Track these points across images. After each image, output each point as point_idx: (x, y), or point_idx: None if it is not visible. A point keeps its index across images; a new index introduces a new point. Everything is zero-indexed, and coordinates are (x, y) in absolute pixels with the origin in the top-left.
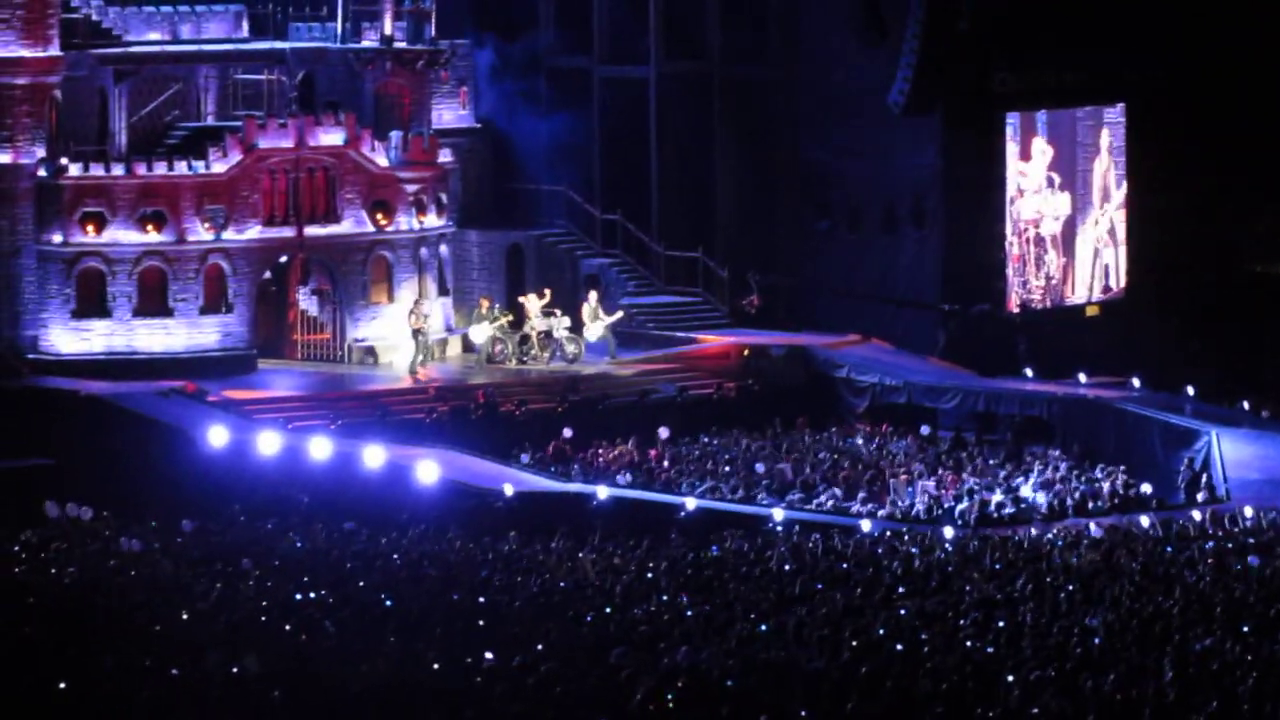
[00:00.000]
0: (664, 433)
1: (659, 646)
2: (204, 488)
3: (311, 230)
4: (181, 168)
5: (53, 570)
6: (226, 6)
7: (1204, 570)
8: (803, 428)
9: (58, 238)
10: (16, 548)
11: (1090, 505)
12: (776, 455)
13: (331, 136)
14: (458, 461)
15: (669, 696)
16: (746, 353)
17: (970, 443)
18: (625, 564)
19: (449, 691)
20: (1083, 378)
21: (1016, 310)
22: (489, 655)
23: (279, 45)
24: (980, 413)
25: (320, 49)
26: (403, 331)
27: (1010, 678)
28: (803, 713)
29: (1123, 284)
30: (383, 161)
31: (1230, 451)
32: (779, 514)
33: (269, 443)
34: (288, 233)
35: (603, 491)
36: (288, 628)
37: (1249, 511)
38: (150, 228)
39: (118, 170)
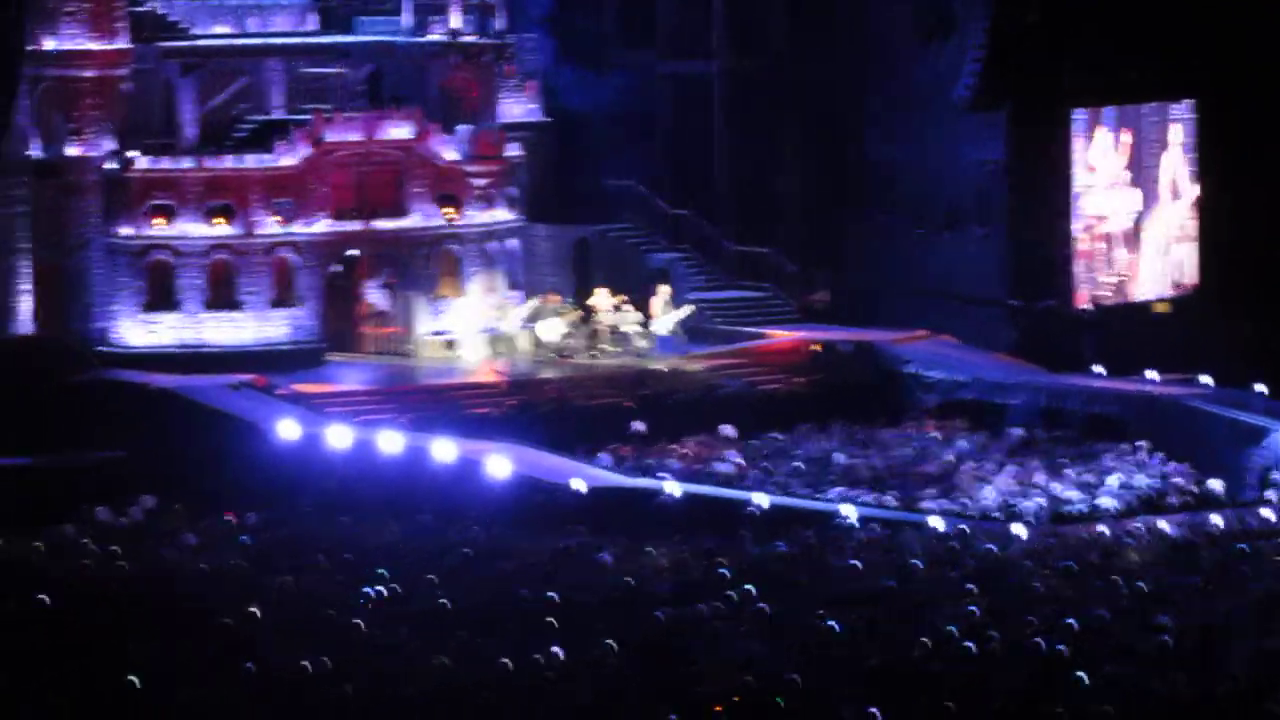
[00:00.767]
0: (731, 430)
1: (728, 642)
2: (274, 481)
3: (379, 224)
4: (249, 161)
5: (121, 563)
6: (293, 0)
7: (1275, 568)
8: (871, 423)
9: (127, 231)
10: (85, 540)
11: (1161, 503)
12: (845, 451)
13: (399, 130)
14: (528, 456)
15: (737, 692)
16: (815, 348)
17: (1039, 439)
18: (694, 559)
19: (519, 688)
20: (1152, 375)
21: (1085, 307)
22: (558, 651)
23: (346, 39)
24: (1049, 409)
25: (387, 43)
26: (476, 324)
27: (1081, 675)
28: (872, 709)
29: (1193, 280)
30: (450, 155)
31: None
32: (849, 510)
33: (339, 436)
34: (356, 226)
35: (672, 486)
36: (359, 623)
37: None
38: (219, 220)
39: (186, 163)
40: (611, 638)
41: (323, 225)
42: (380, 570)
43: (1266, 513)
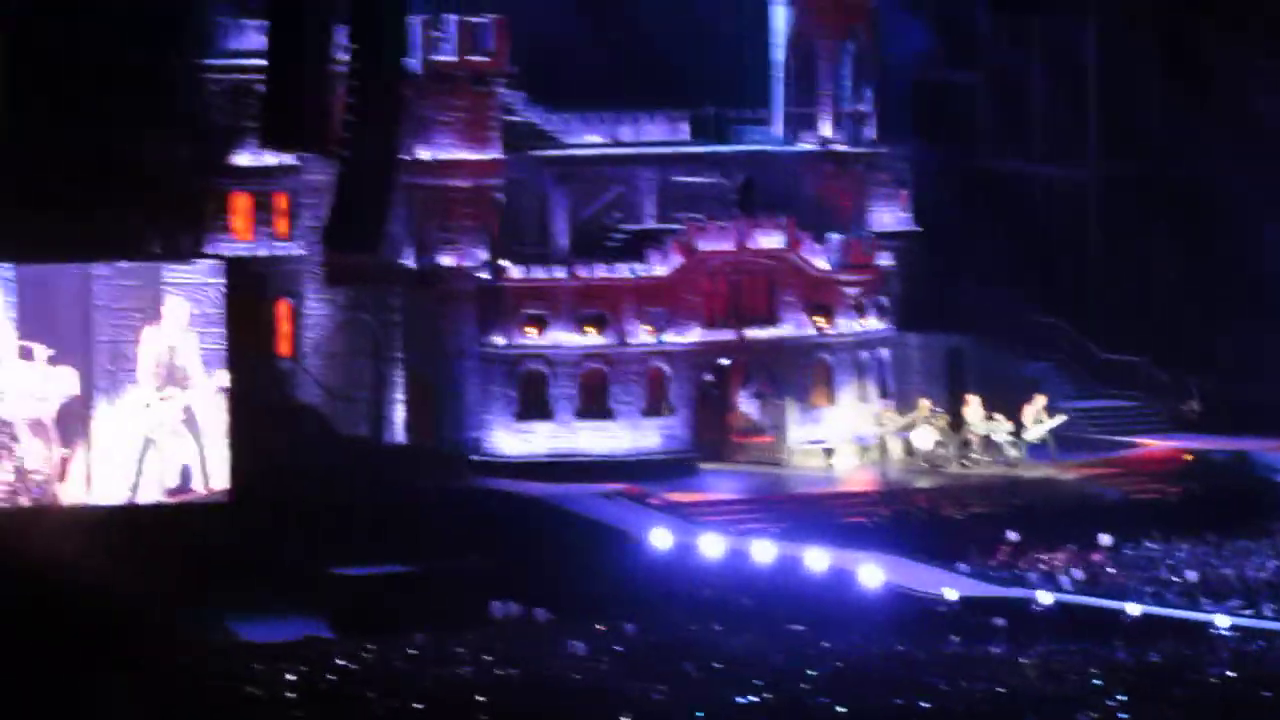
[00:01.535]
0: (1106, 539)
1: None
2: (647, 590)
3: (752, 333)
4: (622, 270)
5: (497, 671)
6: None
7: None
8: (1245, 533)
9: (500, 340)
10: (460, 648)
11: None
12: (1219, 561)
13: (771, 239)
14: (899, 565)
15: None
16: (1189, 458)
17: None
18: (1067, 668)
19: None
20: None
21: None
22: None
23: (720, 149)
24: None
25: (760, 152)
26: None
27: None
28: None
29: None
30: (822, 264)
31: None
32: (1223, 621)
33: (712, 545)
34: (728, 336)
35: (1045, 596)
36: None
37: None
38: (592, 330)
39: (559, 272)
40: None
41: (695, 334)
42: (755, 680)
43: None
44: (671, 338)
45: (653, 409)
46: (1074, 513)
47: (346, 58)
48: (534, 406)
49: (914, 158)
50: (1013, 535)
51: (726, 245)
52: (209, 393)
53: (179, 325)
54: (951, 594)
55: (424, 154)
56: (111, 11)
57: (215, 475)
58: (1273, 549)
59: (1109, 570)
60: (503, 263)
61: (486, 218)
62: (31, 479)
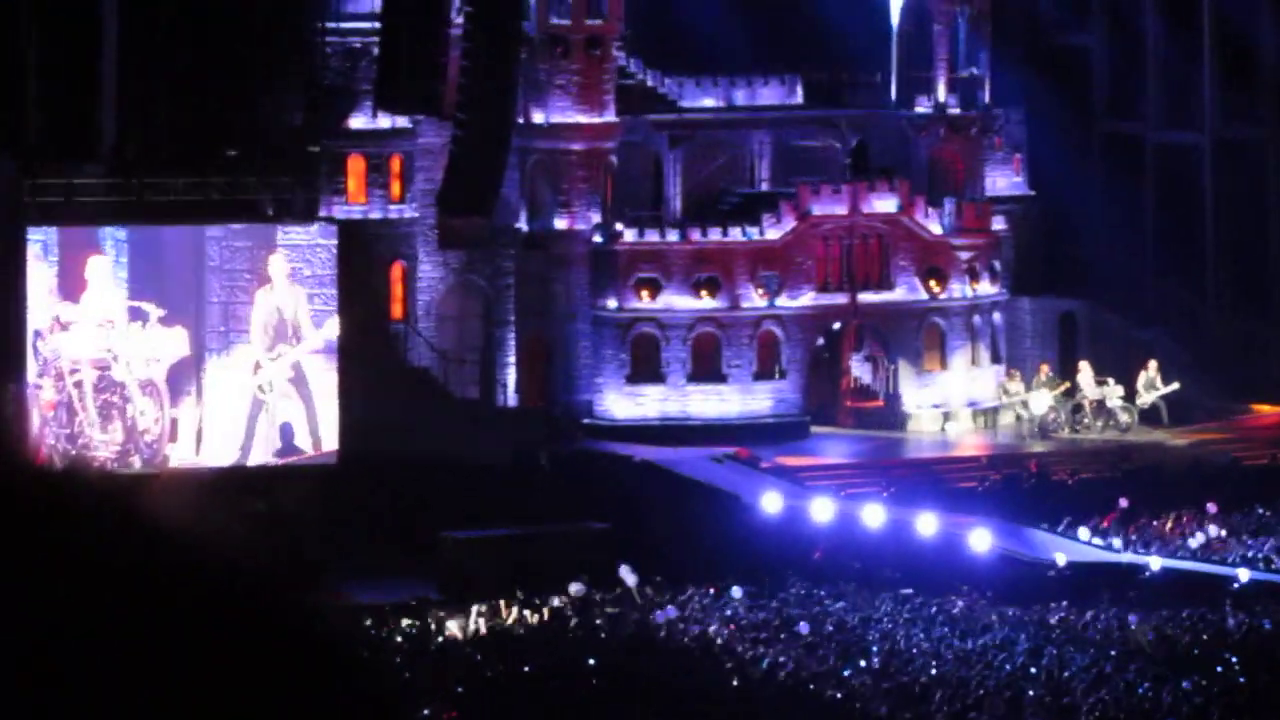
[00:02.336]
0: (1212, 507)
1: (1212, 716)
2: (758, 554)
3: (864, 297)
4: (735, 234)
5: (603, 634)
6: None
7: None
8: None
9: (613, 303)
10: (569, 610)
11: None
12: None
13: (885, 203)
14: (1009, 530)
15: None
16: None
17: None
18: (1178, 634)
19: None
20: None
21: None
22: None
23: (834, 112)
24: None
25: (875, 115)
26: (962, 397)
27: None
28: None
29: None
30: (936, 229)
31: None
32: None
33: (822, 509)
34: (841, 299)
35: (1155, 562)
36: (838, 696)
37: None
38: (704, 294)
39: (672, 236)
40: (1097, 710)
41: (807, 298)
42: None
43: None
44: (784, 301)
45: (764, 373)
46: (1185, 479)
47: (462, 20)
48: (645, 370)
49: (1028, 121)
50: (1124, 502)
51: (840, 209)
52: (318, 351)
53: (284, 282)
54: (1061, 559)
55: (538, 117)
56: None
57: (325, 437)
58: None
59: (1220, 536)
60: (616, 226)
61: (600, 181)
62: (142, 440)
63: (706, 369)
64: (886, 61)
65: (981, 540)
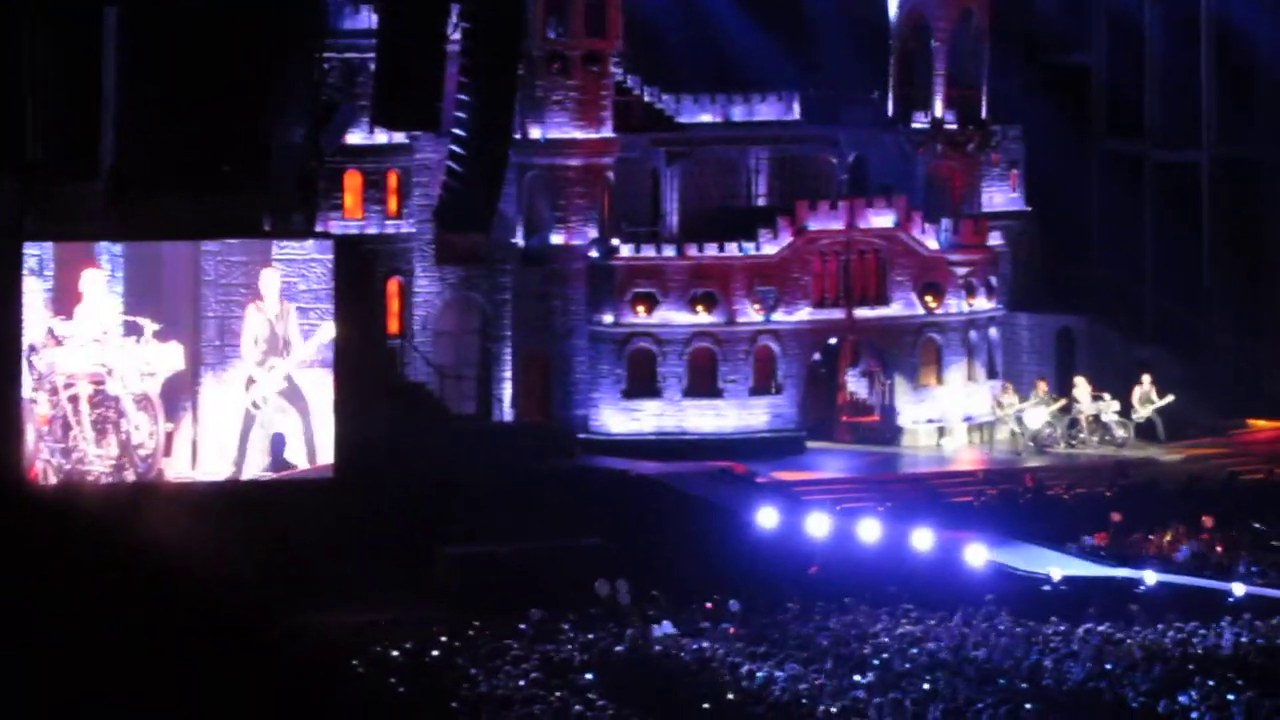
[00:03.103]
0: (1207, 523)
1: None
2: (754, 569)
3: (861, 312)
4: (733, 249)
5: (600, 648)
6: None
7: None
8: None
9: (609, 318)
10: (566, 625)
11: None
12: None
13: (882, 219)
14: (1005, 545)
15: None
16: None
17: None
18: (1170, 649)
19: None
20: None
21: None
22: None
23: (832, 128)
24: None
25: (872, 132)
26: (958, 412)
27: None
28: None
29: None
30: (933, 244)
31: None
32: None
33: (819, 524)
34: (837, 315)
35: (1150, 576)
36: (833, 710)
37: None
38: (701, 309)
39: (669, 252)
40: None
41: (804, 313)
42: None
43: None
44: (780, 317)
45: (761, 388)
46: (1180, 493)
47: (459, 37)
48: (642, 385)
49: (1027, 137)
50: (1117, 516)
51: (837, 224)
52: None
53: (276, 296)
54: (1056, 574)
55: (536, 133)
56: None
57: (321, 451)
58: None
59: (1215, 550)
60: (613, 242)
61: (597, 197)
62: (137, 454)
63: (703, 384)
64: (884, 77)
65: (977, 555)
